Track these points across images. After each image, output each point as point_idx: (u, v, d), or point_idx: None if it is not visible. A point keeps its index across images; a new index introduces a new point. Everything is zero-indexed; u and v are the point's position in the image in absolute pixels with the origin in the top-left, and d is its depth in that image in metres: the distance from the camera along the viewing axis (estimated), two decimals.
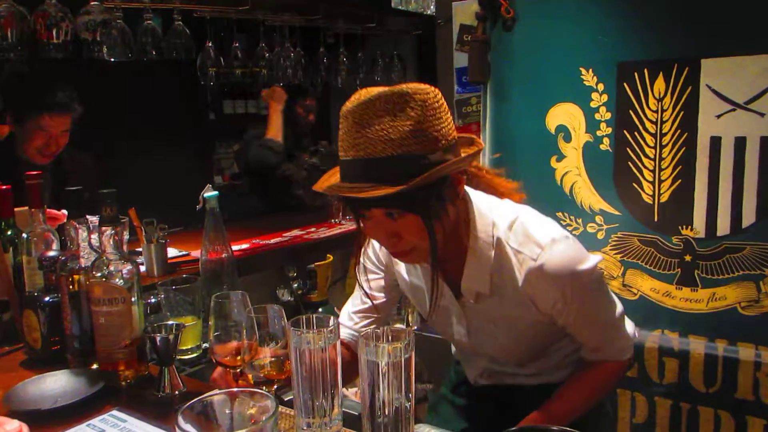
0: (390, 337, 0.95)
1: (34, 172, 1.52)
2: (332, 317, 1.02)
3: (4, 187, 1.58)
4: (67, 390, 1.23)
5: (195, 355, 1.55)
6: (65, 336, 1.35)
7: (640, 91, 1.75)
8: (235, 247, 2.06)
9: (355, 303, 1.44)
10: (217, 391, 0.93)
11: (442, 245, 1.14)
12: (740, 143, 1.64)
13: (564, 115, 1.88)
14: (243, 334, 1.13)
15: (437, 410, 1.61)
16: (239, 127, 3.85)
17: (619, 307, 1.30)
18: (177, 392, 1.23)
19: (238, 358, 1.15)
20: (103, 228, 1.25)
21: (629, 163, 1.79)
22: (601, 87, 1.81)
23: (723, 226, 1.68)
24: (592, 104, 1.83)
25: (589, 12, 1.80)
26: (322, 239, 2.77)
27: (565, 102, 1.87)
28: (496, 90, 2.00)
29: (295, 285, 2.77)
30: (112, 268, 1.26)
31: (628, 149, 1.79)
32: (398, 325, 2.41)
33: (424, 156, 1.03)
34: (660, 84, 1.72)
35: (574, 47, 1.83)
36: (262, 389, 1.05)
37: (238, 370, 1.17)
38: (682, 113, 1.70)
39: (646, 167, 1.77)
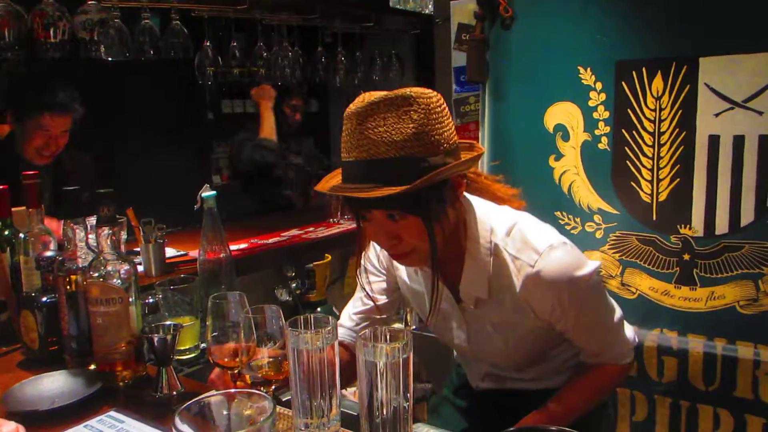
0: (388, 338, 0.95)
1: (31, 172, 1.52)
2: (330, 317, 1.02)
3: (1, 187, 1.58)
4: (65, 391, 1.23)
5: (193, 355, 1.55)
6: (63, 336, 1.35)
7: (639, 89, 1.75)
8: (233, 247, 2.06)
9: (356, 304, 1.44)
10: (214, 391, 0.92)
11: (441, 248, 1.15)
12: (739, 142, 1.64)
13: (562, 114, 1.88)
14: (241, 334, 1.12)
15: (439, 412, 1.62)
16: (237, 127, 3.83)
17: (618, 312, 1.30)
18: (175, 393, 1.23)
19: (236, 358, 1.15)
20: (101, 228, 1.25)
21: (627, 162, 1.79)
22: (599, 86, 1.81)
23: (721, 225, 1.68)
24: (590, 103, 1.83)
25: (587, 11, 1.80)
26: (320, 239, 2.77)
27: (564, 101, 1.87)
28: (495, 89, 2.00)
29: (294, 285, 2.76)
30: (109, 268, 1.26)
31: (626, 148, 1.79)
32: (396, 325, 2.40)
33: (426, 159, 1.05)
34: (658, 82, 1.72)
35: (573, 46, 1.83)
36: (260, 390, 1.04)
37: (236, 371, 1.16)
38: (680, 112, 1.70)
39: (644, 166, 1.77)
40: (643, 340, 1.79)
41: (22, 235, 1.51)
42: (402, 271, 1.38)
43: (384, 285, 1.41)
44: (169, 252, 2.34)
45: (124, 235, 1.99)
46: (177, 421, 0.78)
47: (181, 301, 1.51)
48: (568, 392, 1.32)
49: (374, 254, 1.40)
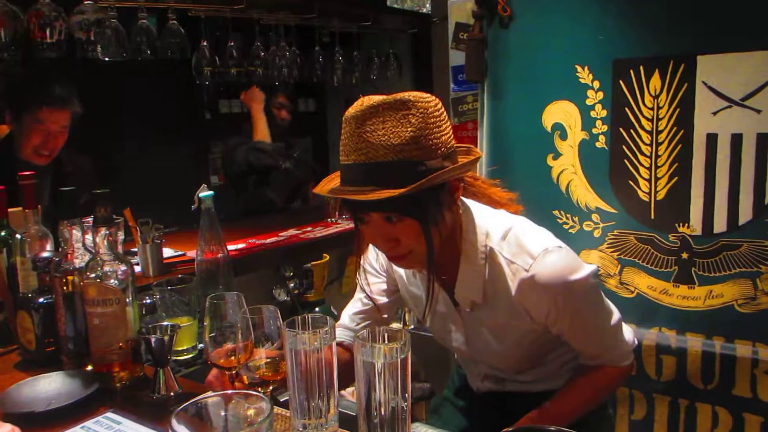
0: (386, 338, 0.95)
1: (27, 173, 1.52)
2: (328, 317, 1.02)
3: None
4: (62, 392, 1.23)
5: (191, 355, 1.54)
6: (59, 337, 1.35)
7: (636, 88, 1.74)
8: (231, 247, 2.06)
9: (356, 305, 1.44)
10: (211, 393, 0.92)
11: (438, 251, 1.16)
12: (736, 140, 1.63)
13: (560, 112, 1.87)
14: (238, 335, 1.12)
15: (439, 413, 1.62)
16: (235, 127, 3.84)
17: (616, 315, 1.30)
18: (172, 394, 1.22)
19: (234, 359, 1.14)
20: (98, 228, 1.25)
21: (625, 160, 1.79)
22: (596, 84, 1.80)
23: (720, 224, 1.68)
24: (588, 102, 1.82)
25: (585, 9, 1.79)
26: (318, 239, 2.77)
27: (561, 100, 1.86)
28: (493, 88, 2.00)
29: (292, 285, 2.77)
30: (106, 268, 1.25)
31: (624, 147, 1.78)
32: (394, 325, 2.40)
33: (424, 162, 1.06)
34: (656, 81, 1.71)
35: (570, 44, 1.82)
36: (257, 390, 1.04)
37: (234, 372, 1.16)
38: (678, 110, 1.70)
39: (642, 165, 1.77)
40: (641, 339, 1.79)
41: (18, 236, 1.50)
42: (401, 272, 1.39)
43: (384, 286, 1.42)
44: (167, 252, 2.34)
45: (121, 236, 1.98)
46: (174, 422, 0.78)
47: (178, 301, 1.51)
48: (567, 393, 1.32)
49: (374, 255, 1.41)
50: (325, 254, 2.85)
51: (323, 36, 3.71)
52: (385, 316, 1.43)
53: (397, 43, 4.24)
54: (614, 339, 1.31)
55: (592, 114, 1.82)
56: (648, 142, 1.75)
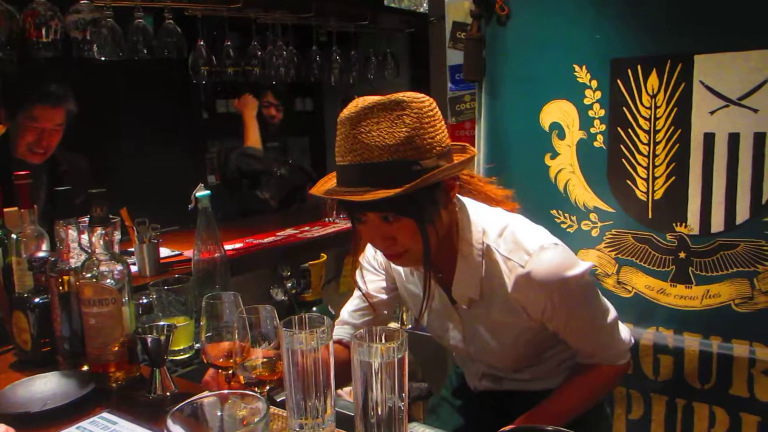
0: (383, 337, 0.94)
1: (23, 172, 1.51)
2: (325, 317, 1.02)
3: None
4: (57, 392, 1.22)
5: (188, 355, 1.54)
6: (55, 337, 1.34)
7: (634, 87, 1.74)
8: (228, 247, 2.05)
9: (355, 303, 1.45)
10: (207, 393, 0.92)
11: (434, 249, 1.16)
12: (734, 139, 1.63)
13: (558, 112, 1.87)
14: (235, 335, 1.12)
15: (437, 413, 1.62)
16: (232, 126, 3.83)
17: (612, 313, 1.31)
18: (168, 394, 1.22)
19: (230, 359, 1.14)
20: (94, 228, 1.24)
21: (623, 160, 1.78)
22: (594, 84, 1.80)
23: (717, 223, 1.68)
24: (586, 101, 1.82)
25: (582, 9, 1.79)
26: (315, 238, 2.76)
27: (559, 99, 1.86)
28: (490, 87, 2.00)
29: (289, 284, 2.76)
30: (102, 268, 1.25)
31: (621, 146, 1.78)
32: (392, 324, 2.40)
33: (419, 162, 1.07)
34: (653, 80, 1.71)
35: (568, 44, 1.82)
36: (254, 390, 1.04)
37: (230, 372, 1.16)
38: (675, 110, 1.70)
39: (639, 164, 1.76)
40: (639, 339, 1.79)
41: (14, 236, 1.50)
42: (399, 270, 1.39)
43: (383, 284, 1.43)
44: (164, 252, 2.33)
45: (118, 235, 1.98)
46: (169, 422, 0.78)
47: (175, 301, 1.50)
48: (564, 392, 1.32)
49: (372, 253, 1.42)
50: (322, 254, 2.85)
51: (320, 35, 3.71)
52: (385, 312, 1.44)
53: (395, 42, 4.25)
54: (610, 337, 1.31)
55: (590, 113, 1.82)
56: (645, 141, 1.75)
